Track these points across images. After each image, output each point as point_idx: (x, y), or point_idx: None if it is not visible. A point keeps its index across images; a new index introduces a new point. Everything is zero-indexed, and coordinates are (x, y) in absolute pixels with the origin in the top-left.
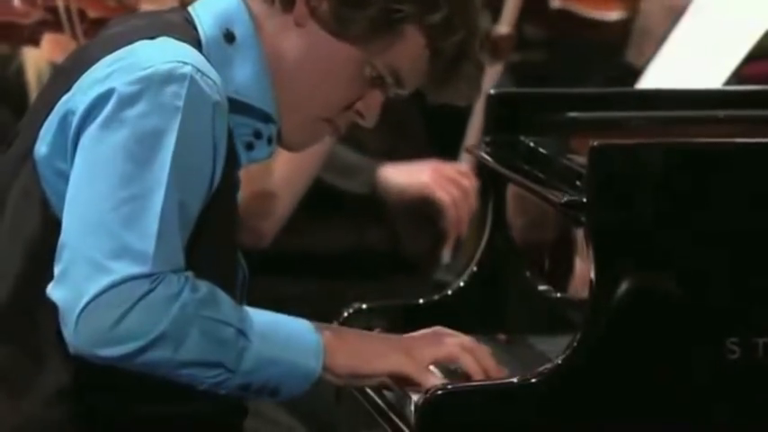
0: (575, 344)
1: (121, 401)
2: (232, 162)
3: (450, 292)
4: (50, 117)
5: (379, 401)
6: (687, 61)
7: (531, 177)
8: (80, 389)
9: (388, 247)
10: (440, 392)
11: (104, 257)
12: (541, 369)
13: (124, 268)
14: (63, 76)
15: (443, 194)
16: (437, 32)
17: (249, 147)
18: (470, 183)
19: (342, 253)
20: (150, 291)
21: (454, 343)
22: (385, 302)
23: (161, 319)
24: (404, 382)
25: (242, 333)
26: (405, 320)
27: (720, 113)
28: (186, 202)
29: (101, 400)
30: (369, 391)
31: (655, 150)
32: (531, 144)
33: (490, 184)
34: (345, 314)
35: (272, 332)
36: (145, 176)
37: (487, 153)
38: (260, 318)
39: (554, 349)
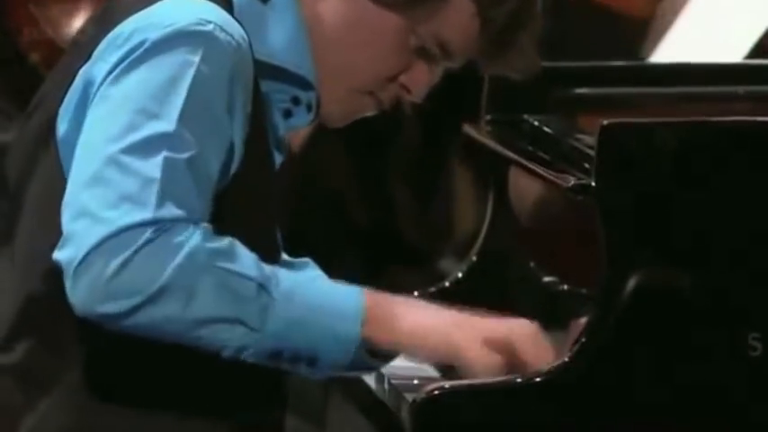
0: (583, 339)
1: (141, 415)
2: (266, 130)
3: (447, 284)
4: (71, 92)
5: (372, 402)
6: (704, 33)
7: (536, 159)
8: (101, 393)
9: (376, 228)
10: (437, 392)
11: (102, 208)
12: (547, 367)
13: (122, 216)
14: (80, 46)
15: None
16: None
17: (287, 114)
18: None
19: (322, 236)
20: (152, 239)
21: (512, 323)
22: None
23: (164, 268)
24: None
25: (264, 288)
26: None
27: (741, 89)
28: (200, 156)
29: (119, 407)
30: (360, 392)
31: (670, 130)
32: (536, 123)
33: (491, 166)
34: None
35: (302, 291)
36: (150, 126)
37: (488, 133)
38: (290, 276)
39: (561, 345)
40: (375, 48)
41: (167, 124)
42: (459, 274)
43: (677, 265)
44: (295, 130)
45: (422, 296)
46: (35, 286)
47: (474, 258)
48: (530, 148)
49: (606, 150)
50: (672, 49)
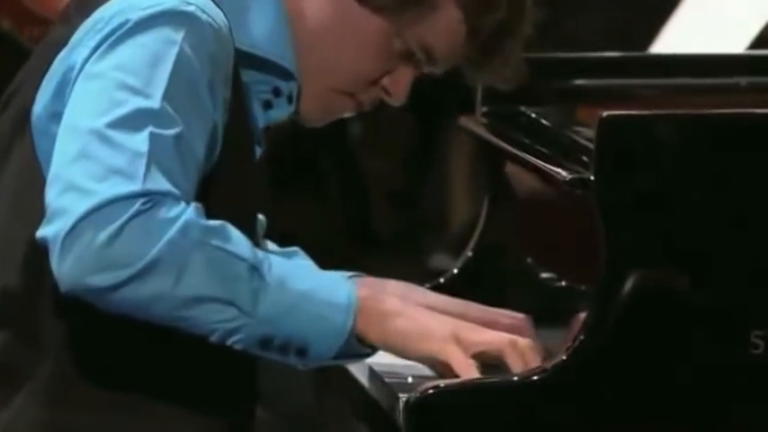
0: (581, 337)
1: (115, 409)
2: (248, 120)
3: (442, 280)
4: (47, 79)
5: (364, 401)
6: (706, 23)
7: (533, 152)
8: (75, 387)
9: (360, 224)
10: (431, 391)
11: (90, 181)
12: (544, 365)
13: (110, 188)
14: (58, 34)
15: None
16: (475, 7)
17: (268, 105)
18: None
19: (305, 231)
20: (142, 211)
21: (505, 338)
22: None
23: (155, 241)
24: (442, 367)
25: (257, 271)
26: None
27: (743, 81)
28: (185, 135)
29: (92, 402)
30: (352, 392)
31: (671, 122)
32: (533, 115)
33: (487, 159)
34: None
35: (294, 278)
36: (134, 101)
37: (484, 125)
38: (283, 262)
39: (558, 343)
40: (358, 50)
41: (152, 101)
42: (455, 270)
43: (678, 262)
44: (275, 122)
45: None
46: (10, 279)
47: (469, 254)
48: (527, 140)
49: (605, 143)
50: (673, 39)
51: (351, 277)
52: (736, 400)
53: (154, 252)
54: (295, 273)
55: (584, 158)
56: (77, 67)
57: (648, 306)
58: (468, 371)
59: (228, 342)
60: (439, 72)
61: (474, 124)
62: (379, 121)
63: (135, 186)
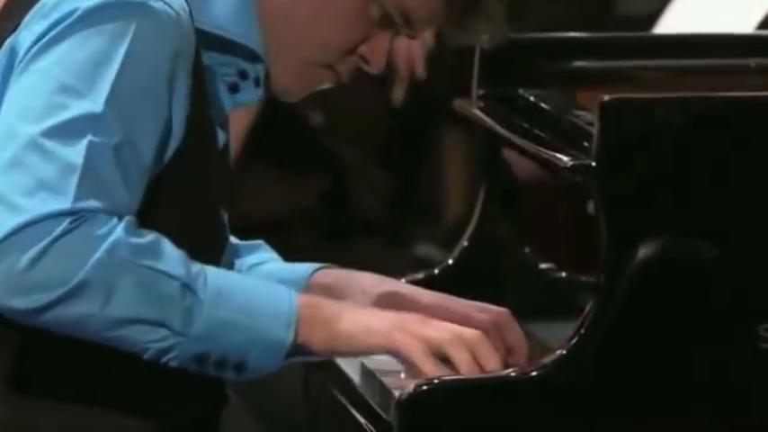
0: (582, 331)
1: (70, 410)
2: (209, 106)
3: (436, 271)
4: None
5: (354, 400)
6: (713, 1)
7: (532, 137)
8: (29, 387)
9: (343, 206)
10: (425, 387)
11: (19, 195)
12: (544, 361)
13: (38, 205)
14: (6, 16)
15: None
16: None
17: (234, 89)
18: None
19: (293, 219)
20: (68, 231)
21: (451, 330)
22: None
23: (82, 263)
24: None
25: (189, 288)
26: None
27: (752, 62)
28: (130, 143)
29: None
30: (342, 388)
31: (675, 106)
32: (532, 98)
33: (484, 145)
34: None
35: (231, 292)
36: (75, 106)
37: (480, 109)
38: (219, 276)
39: (558, 337)
40: (333, 19)
41: (94, 105)
42: (450, 261)
43: (683, 251)
44: (243, 106)
45: (410, 283)
46: None
47: (465, 243)
48: (525, 125)
49: (607, 128)
50: (678, 18)
51: (319, 269)
52: (747, 394)
53: (80, 275)
54: (234, 286)
55: (585, 144)
56: (21, 52)
57: (652, 297)
58: (424, 361)
59: (162, 360)
60: (417, 36)
61: (470, 108)
62: (370, 104)
63: (63, 204)
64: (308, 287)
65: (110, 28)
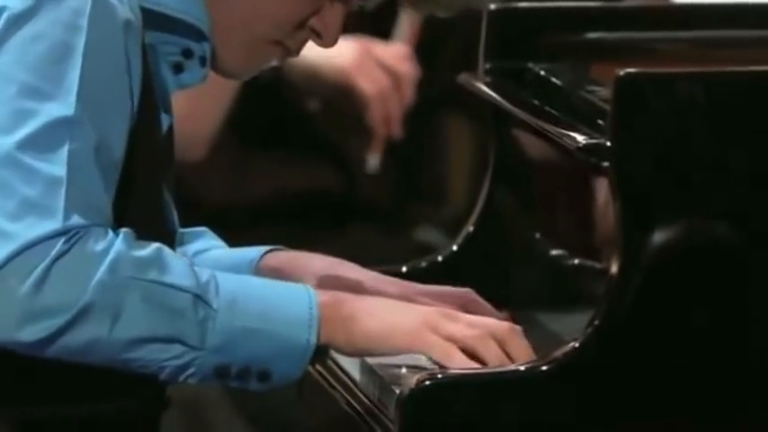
0: (596, 322)
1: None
2: (152, 88)
3: (440, 258)
4: None
5: (353, 395)
6: None
7: (542, 114)
8: None
9: (344, 189)
10: (428, 383)
11: (3, 220)
12: (555, 354)
13: (28, 229)
14: None
15: (366, 83)
16: None
17: (178, 69)
18: (406, 69)
19: (282, 200)
20: (66, 251)
21: (480, 325)
22: None
23: (84, 284)
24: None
25: (201, 299)
26: None
27: None
28: (105, 142)
29: None
30: (339, 383)
31: (697, 80)
32: (542, 72)
33: (491, 122)
34: None
35: (246, 298)
36: (45, 111)
37: (487, 84)
38: (231, 281)
39: (570, 329)
40: None
41: (65, 107)
42: (454, 247)
43: (703, 235)
44: (187, 87)
45: (412, 272)
46: None
47: (470, 229)
48: (535, 101)
49: (623, 104)
50: None
51: (268, 251)
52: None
53: (85, 296)
54: (248, 291)
55: (600, 122)
56: None
57: (671, 286)
58: (450, 356)
59: (181, 378)
60: (371, 6)
61: (476, 83)
62: None
63: (55, 224)
64: (257, 271)
65: (64, 15)
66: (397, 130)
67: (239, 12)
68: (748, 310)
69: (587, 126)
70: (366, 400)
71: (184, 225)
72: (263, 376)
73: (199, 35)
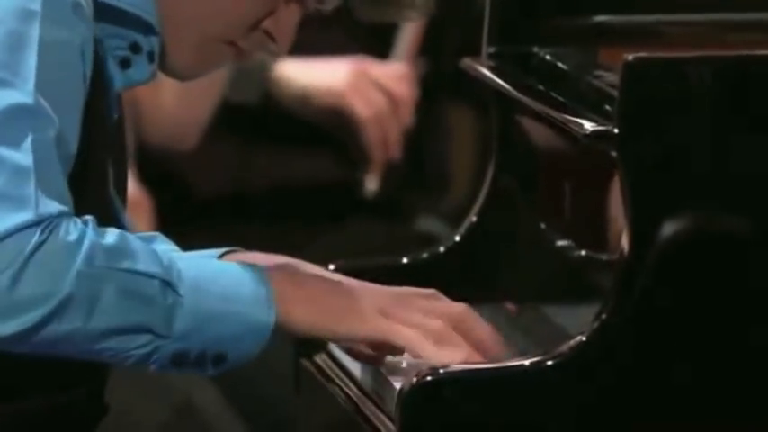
0: (603, 315)
1: None
2: (101, 84)
3: (442, 249)
4: None
5: (352, 390)
6: None
7: (548, 100)
8: None
9: (347, 181)
10: (429, 378)
11: None
12: (561, 348)
13: (1, 220)
14: None
15: (361, 106)
16: None
17: (125, 64)
18: (404, 91)
19: (287, 189)
20: (42, 242)
21: (443, 313)
22: (356, 261)
23: (63, 275)
24: (384, 348)
25: (169, 285)
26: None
27: None
28: (62, 132)
29: None
30: (338, 379)
31: (708, 65)
32: (548, 57)
33: (494, 108)
34: None
35: (207, 280)
36: (5, 99)
37: (490, 69)
38: (188, 264)
39: (577, 322)
40: None
41: (24, 95)
42: (457, 238)
43: (715, 226)
44: (134, 84)
45: (412, 263)
46: None
47: (474, 219)
48: (541, 87)
49: (632, 90)
50: None
51: (225, 253)
52: None
53: (65, 288)
54: (208, 273)
55: (607, 108)
56: None
57: (682, 278)
58: (424, 345)
59: (144, 366)
60: (328, 9)
61: (479, 67)
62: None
63: (29, 214)
64: None
65: (13, 7)
66: (395, 153)
67: (192, 9)
68: (760, 304)
69: (594, 112)
70: (365, 396)
71: (186, 218)
72: (219, 360)
73: (147, 29)
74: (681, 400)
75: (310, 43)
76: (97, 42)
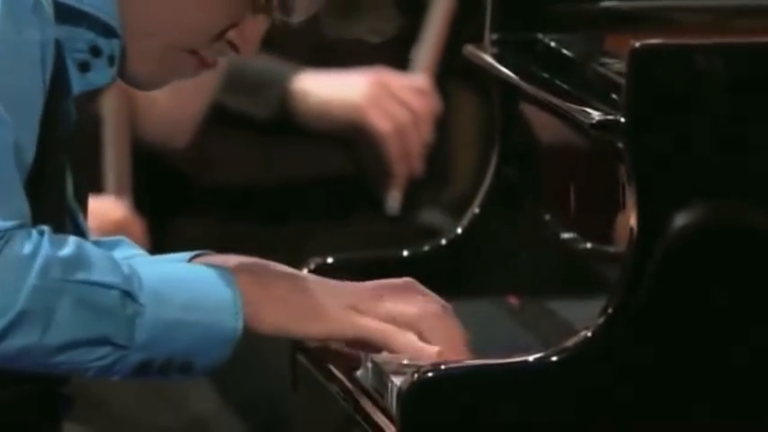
0: (609, 310)
1: None
2: (60, 86)
3: (444, 241)
4: None
5: (349, 391)
6: None
7: (553, 88)
8: None
9: (351, 173)
10: (430, 375)
11: None
12: (565, 344)
13: None
14: None
15: (381, 120)
16: None
17: (84, 67)
18: (426, 104)
19: (289, 183)
20: None
21: (420, 305)
22: (356, 254)
23: (17, 290)
24: (363, 346)
25: (129, 295)
26: (383, 278)
27: None
28: (20, 140)
29: None
30: (337, 373)
31: (718, 53)
32: (553, 44)
33: (497, 97)
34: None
35: (169, 287)
36: None
37: (494, 56)
38: (150, 271)
39: (582, 317)
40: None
41: None
42: (459, 230)
43: (724, 217)
44: (93, 88)
45: (413, 256)
46: None
47: (476, 210)
48: (545, 74)
49: (639, 78)
50: None
51: (195, 256)
52: None
53: (19, 303)
54: (171, 280)
55: (614, 97)
56: None
57: (690, 272)
58: (396, 337)
59: (105, 377)
60: (295, 22)
61: (482, 55)
62: (367, 52)
63: None
64: None
65: None
66: (417, 168)
67: (155, 15)
68: None
69: (601, 101)
70: (363, 393)
71: (188, 211)
72: (185, 368)
73: (108, 32)
74: (688, 397)
75: None
76: (57, 44)
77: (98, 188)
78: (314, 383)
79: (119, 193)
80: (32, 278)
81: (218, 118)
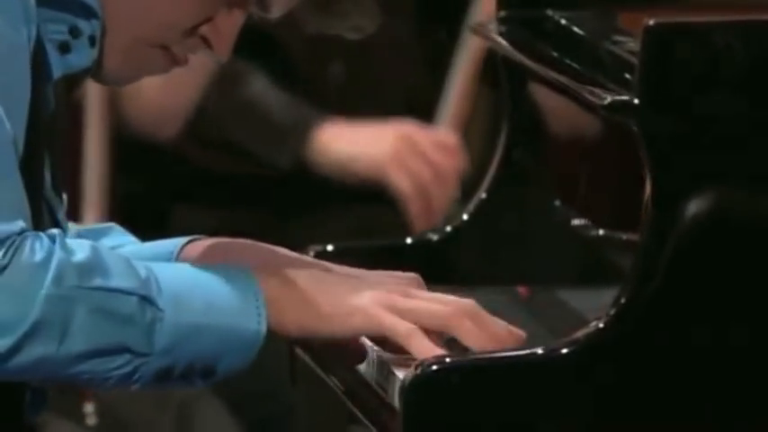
0: (622, 300)
1: None
2: (40, 72)
3: (449, 229)
4: None
5: (350, 384)
6: None
7: (563, 68)
8: None
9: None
10: (435, 367)
11: None
12: (576, 335)
13: None
14: None
15: (403, 179)
16: None
17: (64, 49)
18: (451, 161)
19: (292, 172)
20: (6, 264)
21: (446, 302)
22: (358, 242)
23: (31, 299)
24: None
25: (147, 300)
26: (386, 267)
27: None
28: (16, 137)
29: None
30: (337, 367)
31: (735, 31)
32: (563, 22)
33: (505, 78)
34: None
35: (189, 289)
36: None
37: (501, 34)
38: (170, 274)
39: (593, 307)
40: None
41: None
42: (465, 216)
43: (741, 206)
44: (74, 70)
45: (417, 243)
46: None
47: (483, 196)
48: (555, 53)
49: (653, 58)
50: None
51: (188, 242)
52: None
53: (33, 314)
54: (187, 282)
55: (627, 76)
56: None
57: (705, 260)
58: (417, 342)
59: (126, 386)
60: (272, 19)
61: (489, 33)
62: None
63: None
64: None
65: None
66: (438, 224)
67: (124, 9)
68: None
69: (613, 82)
70: (365, 387)
71: (190, 203)
72: (207, 373)
73: (88, 12)
74: (702, 390)
75: None
76: (36, 28)
77: (77, 180)
78: (314, 377)
79: (99, 184)
80: (46, 287)
81: (235, 157)
